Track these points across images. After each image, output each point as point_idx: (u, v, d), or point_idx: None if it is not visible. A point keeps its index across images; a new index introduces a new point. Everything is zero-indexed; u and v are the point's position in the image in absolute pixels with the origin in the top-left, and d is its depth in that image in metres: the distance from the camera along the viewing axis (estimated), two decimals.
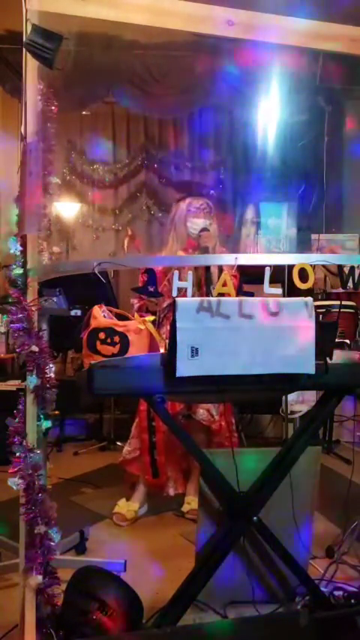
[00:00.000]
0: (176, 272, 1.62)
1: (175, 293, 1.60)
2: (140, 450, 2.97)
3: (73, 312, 3.03)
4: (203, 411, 2.88)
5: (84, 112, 5.67)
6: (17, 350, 1.72)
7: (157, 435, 2.90)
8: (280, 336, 1.60)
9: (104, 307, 1.88)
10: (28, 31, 1.69)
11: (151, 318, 1.90)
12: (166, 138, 5.95)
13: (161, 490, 3.02)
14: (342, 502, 2.32)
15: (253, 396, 2.44)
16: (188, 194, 3.18)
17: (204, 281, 2.92)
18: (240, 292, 1.64)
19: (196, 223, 3.00)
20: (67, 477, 3.59)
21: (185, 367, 1.54)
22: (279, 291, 1.66)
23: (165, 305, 2.96)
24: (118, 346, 1.75)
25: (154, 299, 2.94)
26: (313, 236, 4.95)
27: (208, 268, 2.89)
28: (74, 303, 3.09)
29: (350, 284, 1.72)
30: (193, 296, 1.62)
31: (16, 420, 1.71)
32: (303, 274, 1.61)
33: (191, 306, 1.56)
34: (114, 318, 1.87)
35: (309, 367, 1.62)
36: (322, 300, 3.68)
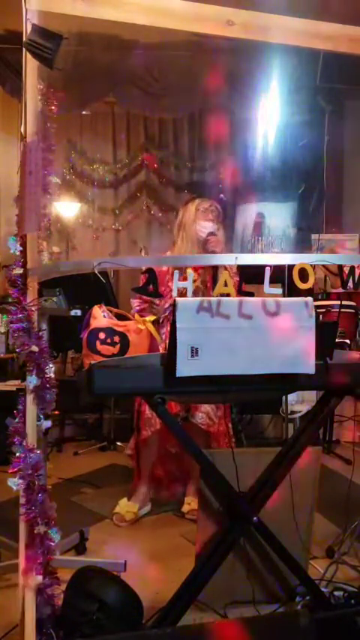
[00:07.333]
0: (176, 272, 1.62)
1: (175, 293, 1.60)
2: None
3: (73, 312, 3.04)
4: (202, 415, 2.84)
5: (84, 112, 5.67)
6: (17, 350, 1.72)
7: (140, 435, 2.90)
8: (280, 336, 1.60)
9: (104, 307, 1.87)
10: (28, 31, 1.68)
11: (152, 318, 1.90)
12: (166, 138, 5.95)
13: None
14: (342, 502, 2.32)
15: (253, 396, 2.44)
16: (196, 196, 3.17)
17: (211, 282, 2.92)
18: (240, 292, 1.63)
19: (205, 226, 2.97)
20: (67, 476, 3.59)
21: (185, 367, 1.54)
22: (279, 291, 1.66)
23: (167, 306, 2.96)
24: (118, 346, 1.75)
25: (156, 304, 2.93)
26: (313, 236, 4.96)
27: (216, 269, 2.89)
28: (74, 303, 3.10)
29: (350, 284, 1.72)
30: (197, 297, 1.62)
31: (16, 420, 1.71)
32: (303, 274, 1.61)
33: (191, 306, 1.56)
34: (114, 318, 1.87)
35: (309, 367, 1.62)
36: (322, 300, 3.68)
